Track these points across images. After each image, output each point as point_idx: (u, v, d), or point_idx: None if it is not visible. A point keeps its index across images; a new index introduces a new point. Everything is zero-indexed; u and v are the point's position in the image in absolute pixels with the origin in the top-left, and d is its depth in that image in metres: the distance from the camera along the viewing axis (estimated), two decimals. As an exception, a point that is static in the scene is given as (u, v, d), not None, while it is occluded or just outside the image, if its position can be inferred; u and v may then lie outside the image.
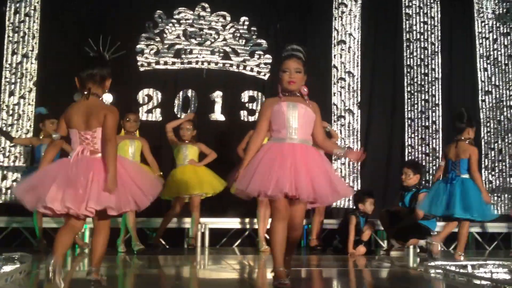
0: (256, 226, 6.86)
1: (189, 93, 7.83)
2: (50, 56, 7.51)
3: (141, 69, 7.73)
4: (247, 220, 7.37)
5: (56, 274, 3.05)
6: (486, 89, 8.49)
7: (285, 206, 3.45)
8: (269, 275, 3.56)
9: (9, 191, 7.17)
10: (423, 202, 5.85)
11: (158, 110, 7.73)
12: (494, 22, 8.63)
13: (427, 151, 8.19)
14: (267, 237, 6.77)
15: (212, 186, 6.56)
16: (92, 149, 3.22)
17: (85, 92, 3.28)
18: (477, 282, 3.80)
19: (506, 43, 8.60)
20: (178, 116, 7.55)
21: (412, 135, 8.19)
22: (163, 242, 6.94)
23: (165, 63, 7.79)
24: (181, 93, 7.81)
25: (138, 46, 7.73)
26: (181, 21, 7.92)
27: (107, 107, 3.31)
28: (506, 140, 8.38)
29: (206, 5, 7.99)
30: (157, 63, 7.78)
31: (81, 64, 3.33)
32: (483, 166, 8.32)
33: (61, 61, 7.39)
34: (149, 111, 7.73)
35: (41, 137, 6.40)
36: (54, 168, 3.23)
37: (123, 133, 6.31)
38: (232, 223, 7.39)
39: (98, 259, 3.30)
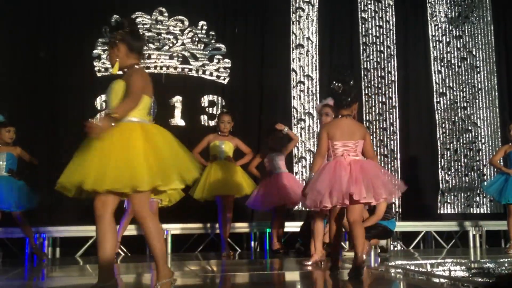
0: (218, 231, 6.83)
1: (148, 98, 7.73)
2: (6, 63, 7.32)
3: (98, 74, 7.61)
4: (208, 225, 7.33)
5: None
6: (441, 91, 8.70)
7: None
8: (233, 279, 3.53)
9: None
10: None
11: (117, 116, 7.61)
12: (447, 26, 8.86)
13: (385, 153, 8.33)
14: (230, 241, 6.78)
15: (167, 194, 6.42)
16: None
17: None
18: (436, 280, 3.88)
19: (458, 46, 8.85)
20: (137, 122, 7.44)
21: (370, 137, 8.29)
22: (124, 250, 6.85)
23: (123, 68, 7.68)
24: (140, 98, 7.71)
25: (94, 51, 7.61)
26: (138, 26, 7.83)
27: None
28: (461, 141, 8.60)
29: (164, 10, 7.94)
30: (115, 68, 7.66)
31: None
32: (439, 166, 8.52)
33: (17, 69, 7.25)
34: (107, 117, 7.60)
35: None
36: None
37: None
38: (195, 228, 7.34)
39: None
